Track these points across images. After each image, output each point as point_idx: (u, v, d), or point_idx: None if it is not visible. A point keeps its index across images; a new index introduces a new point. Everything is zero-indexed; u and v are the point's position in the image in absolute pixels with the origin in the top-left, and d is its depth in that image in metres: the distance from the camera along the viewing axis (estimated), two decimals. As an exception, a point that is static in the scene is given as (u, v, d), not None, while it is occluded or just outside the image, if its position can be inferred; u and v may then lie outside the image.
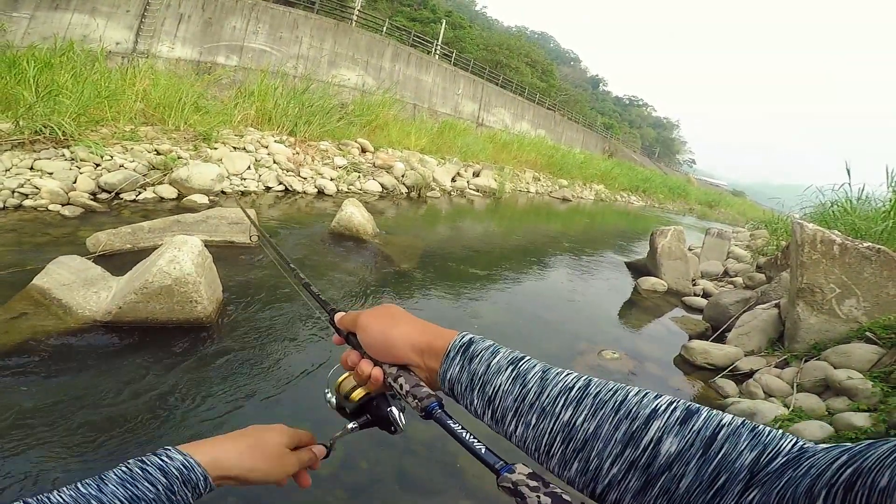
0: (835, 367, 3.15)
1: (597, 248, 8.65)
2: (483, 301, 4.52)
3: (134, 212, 4.82)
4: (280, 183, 7.23)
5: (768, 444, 0.33)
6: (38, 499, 0.41)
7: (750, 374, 3.52)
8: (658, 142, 63.98)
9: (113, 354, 2.43)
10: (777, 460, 0.32)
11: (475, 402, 0.44)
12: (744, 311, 4.45)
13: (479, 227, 9.04)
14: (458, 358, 0.45)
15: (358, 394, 0.61)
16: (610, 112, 55.75)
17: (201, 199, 5.56)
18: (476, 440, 0.41)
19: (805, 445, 0.33)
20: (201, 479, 0.49)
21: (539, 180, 17.83)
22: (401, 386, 0.49)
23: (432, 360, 0.48)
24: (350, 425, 0.62)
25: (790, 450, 0.32)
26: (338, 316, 0.61)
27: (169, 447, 0.51)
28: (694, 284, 6.35)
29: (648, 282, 6.08)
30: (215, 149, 6.94)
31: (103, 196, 4.94)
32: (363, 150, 10.08)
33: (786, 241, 5.21)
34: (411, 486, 2.01)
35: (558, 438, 0.38)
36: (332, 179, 8.17)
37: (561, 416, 0.38)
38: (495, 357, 0.44)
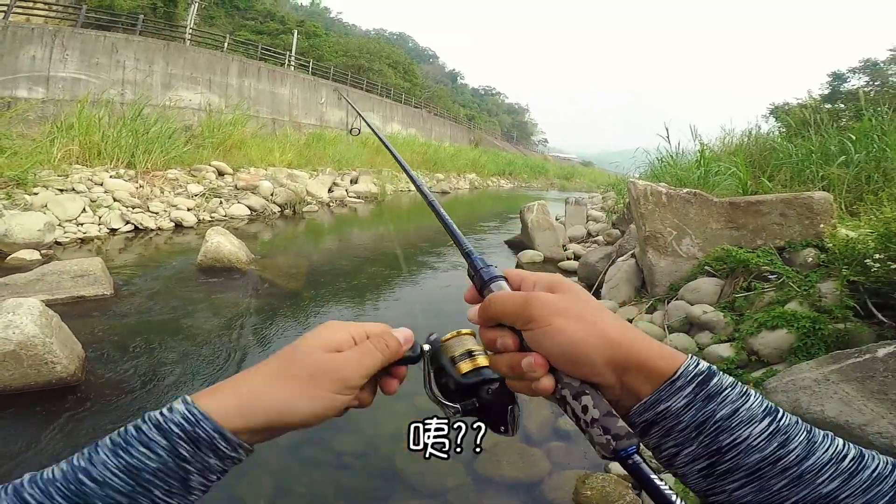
0: (691, 304, 3.46)
1: (479, 232, 9.10)
2: (381, 304, 4.50)
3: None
4: (127, 222, 6.38)
5: None
6: (31, 476, 0.32)
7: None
8: (514, 126, 69.11)
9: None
10: None
11: (689, 448, 0.33)
12: (609, 266, 5.03)
13: (366, 233, 8.93)
14: (691, 390, 0.34)
15: (472, 364, 0.43)
16: (469, 104, 58.69)
17: (31, 254, 4.73)
18: None
19: None
20: (215, 435, 0.34)
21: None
22: (584, 408, 0.35)
23: (639, 381, 0.35)
24: (452, 409, 0.43)
25: None
26: (497, 290, 0.41)
27: (186, 395, 0.36)
28: (565, 249, 7.00)
29: (527, 255, 6.57)
30: (35, 194, 5.94)
31: None
32: (221, 173, 9.33)
33: (629, 199, 6.00)
34: (356, 499, 1.99)
35: None
36: (189, 210, 7.42)
37: (821, 488, 0.31)
38: (746, 401, 0.33)
